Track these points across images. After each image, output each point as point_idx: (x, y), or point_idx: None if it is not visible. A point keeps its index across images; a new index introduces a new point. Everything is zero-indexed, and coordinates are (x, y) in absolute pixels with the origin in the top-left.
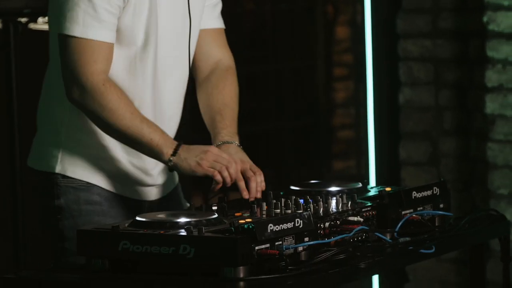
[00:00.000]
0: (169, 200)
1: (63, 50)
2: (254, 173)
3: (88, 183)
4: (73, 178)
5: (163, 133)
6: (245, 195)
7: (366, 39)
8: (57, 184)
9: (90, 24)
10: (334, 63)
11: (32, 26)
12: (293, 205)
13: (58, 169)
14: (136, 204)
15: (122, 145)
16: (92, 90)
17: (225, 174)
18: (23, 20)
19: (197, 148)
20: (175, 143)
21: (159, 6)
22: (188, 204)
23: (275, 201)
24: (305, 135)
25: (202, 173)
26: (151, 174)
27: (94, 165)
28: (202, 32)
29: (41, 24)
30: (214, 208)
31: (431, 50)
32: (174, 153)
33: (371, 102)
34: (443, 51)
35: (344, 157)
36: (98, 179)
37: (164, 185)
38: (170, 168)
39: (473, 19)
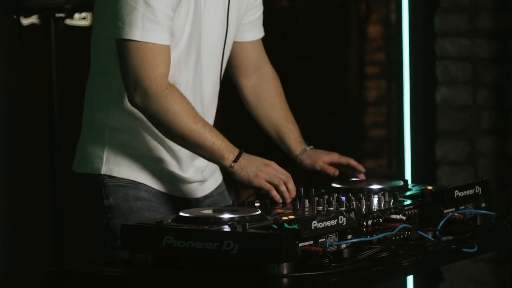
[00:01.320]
0: (214, 197)
1: (123, 55)
2: None
3: (134, 181)
4: (119, 178)
5: (224, 138)
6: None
7: (403, 38)
8: (104, 184)
9: (150, 28)
10: (367, 62)
11: (68, 22)
12: (335, 203)
13: (104, 170)
14: (183, 202)
15: (166, 145)
16: (156, 94)
17: (283, 188)
18: (61, 15)
19: (258, 160)
20: (237, 150)
21: (204, 11)
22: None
23: (317, 198)
24: (336, 134)
25: (258, 185)
26: (191, 171)
27: (139, 164)
28: (245, 43)
29: (77, 20)
30: (257, 204)
31: (469, 49)
32: (236, 159)
33: (408, 101)
34: (481, 50)
35: (376, 156)
36: (144, 177)
37: (209, 183)
38: (229, 173)
39: (511, 18)
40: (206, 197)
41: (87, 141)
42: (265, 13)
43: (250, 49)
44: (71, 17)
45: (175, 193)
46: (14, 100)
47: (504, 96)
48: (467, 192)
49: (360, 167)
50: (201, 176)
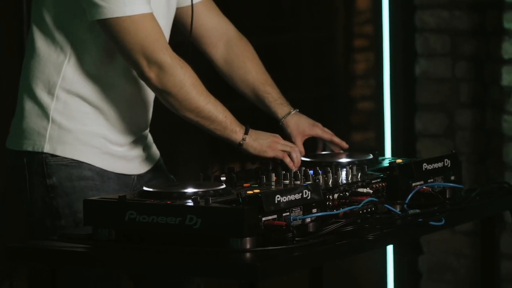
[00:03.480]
0: (154, 172)
1: (121, 33)
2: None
3: (78, 160)
4: (62, 157)
5: (230, 113)
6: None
7: (383, 10)
8: (47, 163)
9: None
10: (355, 34)
11: None
12: (302, 176)
13: (47, 148)
14: (125, 179)
15: (111, 122)
16: (172, 67)
17: (294, 155)
18: None
19: (265, 133)
20: (244, 124)
21: None
22: (172, 176)
23: (284, 172)
24: (324, 106)
25: (272, 155)
26: (135, 147)
27: (83, 143)
28: (196, 6)
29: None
30: (223, 178)
31: (448, 22)
32: (246, 132)
33: (388, 74)
34: (460, 23)
35: (363, 129)
36: (88, 157)
37: (149, 158)
38: (238, 146)
39: None
40: (147, 172)
41: (27, 118)
42: None
43: (203, 15)
44: None
45: (118, 170)
46: None
47: (483, 69)
48: (436, 165)
49: (343, 144)
50: (142, 152)
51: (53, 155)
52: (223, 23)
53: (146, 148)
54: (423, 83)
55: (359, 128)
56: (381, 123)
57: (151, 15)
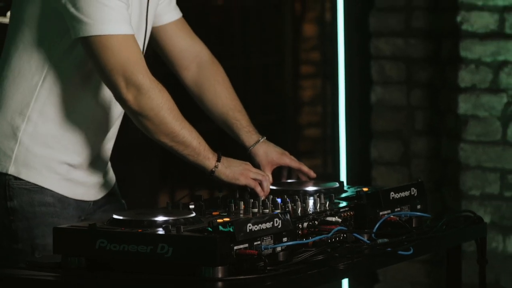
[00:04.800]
0: (109, 197)
1: (103, 52)
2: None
3: (41, 186)
4: (26, 181)
5: (203, 140)
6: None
7: (338, 37)
8: (9, 185)
9: (125, 20)
10: (302, 61)
11: (0, 19)
12: (270, 205)
13: (11, 170)
14: (83, 205)
15: (76, 147)
16: (150, 90)
17: (265, 184)
18: None
19: (237, 161)
20: (216, 151)
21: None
22: (123, 201)
23: (252, 200)
24: (272, 132)
25: (245, 183)
26: (96, 174)
27: (48, 168)
28: (167, 27)
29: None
30: (191, 206)
31: (403, 49)
32: (219, 159)
33: (343, 100)
34: (416, 51)
35: (311, 155)
36: (51, 183)
37: (106, 184)
38: (210, 173)
39: (446, 18)
40: (102, 198)
41: None
42: (200, 11)
43: (176, 36)
44: (4, 15)
45: (77, 196)
46: None
47: (438, 96)
48: (403, 194)
49: (311, 173)
50: (102, 178)
51: (16, 178)
52: (196, 45)
53: (105, 174)
54: (378, 110)
55: (306, 154)
56: (336, 150)
57: (133, 37)
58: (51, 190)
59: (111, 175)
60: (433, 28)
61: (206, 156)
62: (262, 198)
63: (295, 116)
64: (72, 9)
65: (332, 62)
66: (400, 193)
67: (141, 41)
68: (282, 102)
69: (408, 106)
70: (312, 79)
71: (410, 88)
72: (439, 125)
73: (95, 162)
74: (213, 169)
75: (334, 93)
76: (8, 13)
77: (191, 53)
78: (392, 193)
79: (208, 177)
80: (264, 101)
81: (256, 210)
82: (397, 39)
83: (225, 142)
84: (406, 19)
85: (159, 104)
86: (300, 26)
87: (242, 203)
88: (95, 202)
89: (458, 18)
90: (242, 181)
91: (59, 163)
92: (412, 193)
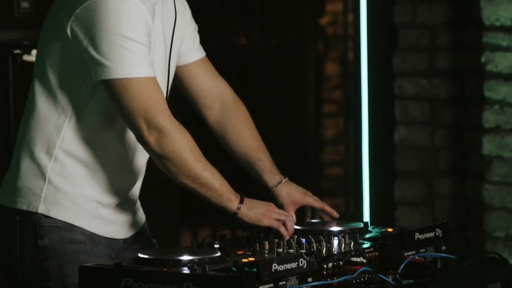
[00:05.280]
0: (138, 235)
1: (125, 95)
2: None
3: (71, 224)
4: (56, 219)
5: (226, 181)
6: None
7: (362, 76)
8: (40, 224)
9: (146, 63)
10: (324, 100)
11: (26, 57)
12: (295, 245)
13: (41, 209)
14: (114, 243)
15: (105, 186)
16: (172, 132)
17: (289, 225)
18: (18, 52)
19: (260, 201)
20: (239, 193)
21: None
22: (154, 241)
23: (277, 240)
24: (294, 172)
25: (268, 224)
26: (125, 212)
27: (78, 206)
28: (191, 66)
29: (35, 56)
30: (216, 246)
31: (427, 89)
32: (241, 201)
33: (366, 140)
34: (439, 91)
35: (333, 195)
36: (81, 221)
37: (136, 223)
38: (233, 215)
39: (470, 59)
40: (132, 237)
41: (23, 176)
42: (222, 50)
43: (199, 75)
44: (29, 53)
45: (108, 234)
46: None
47: (462, 137)
48: (428, 235)
49: (334, 213)
50: (131, 216)
51: (46, 216)
52: (219, 84)
53: (134, 213)
54: (402, 150)
55: (328, 193)
56: (359, 189)
57: (154, 79)
58: (81, 228)
59: (141, 213)
60: (457, 68)
61: (228, 198)
62: (287, 238)
63: (317, 155)
64: (93, 52)
65: (355, 101)
66: (425, 234)
67: (165, 81)
68: (304, 141)
69: (432, 146)
70: (334, 118)
71: (434, 128)
72: (463, 165)
73: (124, 201)
74: (236, 211)
75: (358, 133)
76: (34, 51)
77: (215, 93)
78: (417, 234)
79: (230, 219)
80: (286, 141)
81: (281, 250)
82: (420, 79)
83: (247, 181)
84: (429, 59)
85: (181, 146)
86: (322, 65)
87: (267, 242)
88: (125, 240)
89: (483, 59)
90: (265, 222)
91: (88, 201)
92: (437, 234)
